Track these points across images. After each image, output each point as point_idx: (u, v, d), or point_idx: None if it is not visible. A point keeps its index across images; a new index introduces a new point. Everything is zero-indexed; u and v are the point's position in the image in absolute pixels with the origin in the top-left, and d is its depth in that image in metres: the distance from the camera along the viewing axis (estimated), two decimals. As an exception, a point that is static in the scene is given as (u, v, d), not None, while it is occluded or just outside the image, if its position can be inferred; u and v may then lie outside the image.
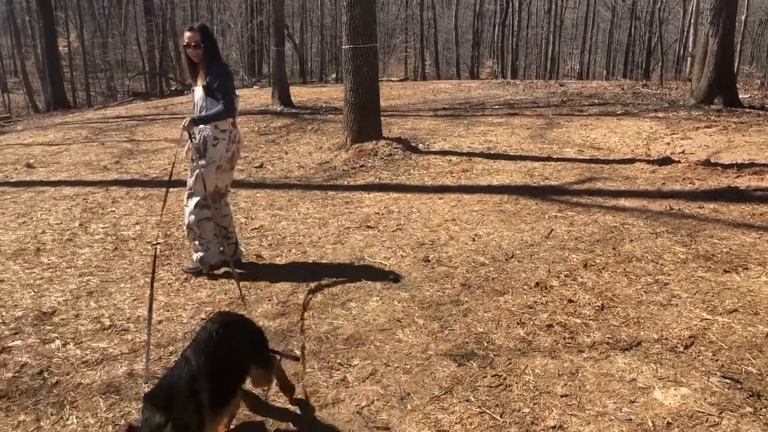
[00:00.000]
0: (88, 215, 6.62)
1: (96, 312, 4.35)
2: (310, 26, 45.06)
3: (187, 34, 4.65)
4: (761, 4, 37.85)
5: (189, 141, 4.72)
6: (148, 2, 34.75)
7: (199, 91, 4.75)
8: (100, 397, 3.29)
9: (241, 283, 4.71)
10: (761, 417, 2.85)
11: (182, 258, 5.31)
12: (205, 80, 4.68)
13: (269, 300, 4.41)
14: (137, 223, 6.32)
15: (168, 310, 4.35)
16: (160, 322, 4.18)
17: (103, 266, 5.21)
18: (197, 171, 4.73)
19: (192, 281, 4.83)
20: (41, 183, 8.17)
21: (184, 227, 4.99)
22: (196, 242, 4.90)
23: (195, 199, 4.81)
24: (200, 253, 4.90)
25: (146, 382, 2.78)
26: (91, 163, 9.32)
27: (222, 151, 4.75)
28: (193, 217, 4.82)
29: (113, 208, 6.86)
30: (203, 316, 4.22)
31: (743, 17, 33.16)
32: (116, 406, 3.20)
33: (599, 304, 4.07)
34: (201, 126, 4.68)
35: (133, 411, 3.15)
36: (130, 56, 39.49)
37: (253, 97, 16.76)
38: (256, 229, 6.01)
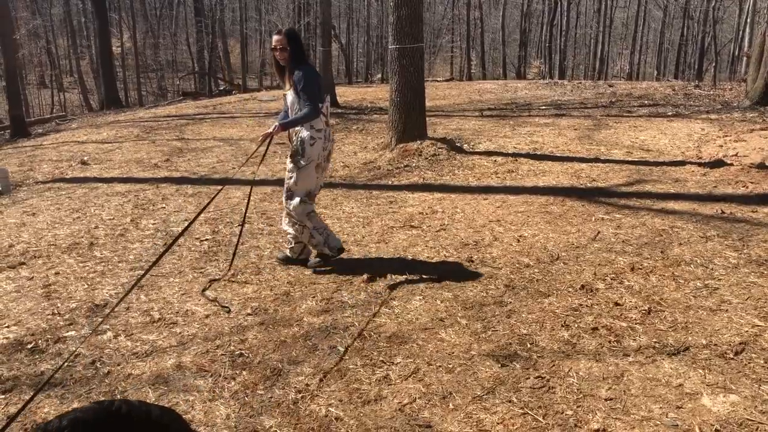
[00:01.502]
0: (139, 211, 6.81)
1: (146, 305, 4.47)
2: (357, 26, 45.32)
3: (275, 37, 4.78)
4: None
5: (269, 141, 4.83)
6: (198, 3, 35.51)
7: (290, 95, 4.85)
8: (149, 387, 3.39)
9: (287, 281, 4.80)
10: (815, 427, 2.77)
11: (229, 254, 5.41)
12: (291, 83, 4.80)
13: (313, 297, 4.46)
14: (186, 220, 6.46)
15: (215, 305, 4.45)
16: (207, 316, 4.28)
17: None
18: (296, 172, 4.84)
19: (238, 277, 4.92)
20: (95, 179, 8.44)
21: (287, 228, 5.07)
22: (315, 237, 4.96)
23: (297, 199, 4.89)
24: (322, 244, 4.97)
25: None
26: (142, 161, 9.58)
27: (319, 150, 4.83)
28: (299, 213, 4.90)
29: (163, 205, 7.04)
30: (249, 311, 4.30)
31: (803, 16, 31.97)
32: (164, 397, 3.29)
33: (646, 308, 4.00)
34: (297, 128, 4.79)
35: (181, 402, 3.24)
36: (180, 56, 40.42)
37: (299, 96, 16.93)
38: (301, 227, 6.09)
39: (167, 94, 33.56)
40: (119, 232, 6.14)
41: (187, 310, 4.38)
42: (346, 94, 16.50)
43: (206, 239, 5.86)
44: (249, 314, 4.27)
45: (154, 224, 6.35)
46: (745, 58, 20.23)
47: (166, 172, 8.77)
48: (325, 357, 3.64)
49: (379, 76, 35.24)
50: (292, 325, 4.06)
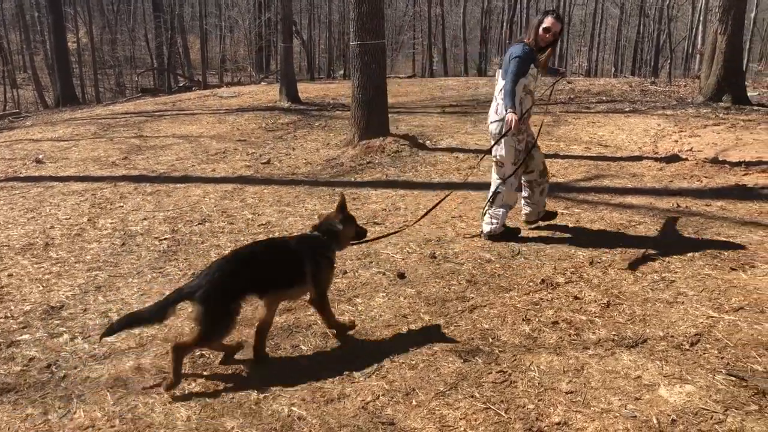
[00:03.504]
0: (96, 210, 6.67)
1: (104, 306, 4.38)
2: (318, 22, 45.06)
3: (558, 24, 5.07)
4: (772, 1, 37.60)
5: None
6: (156, -2, 34.88)
7: (538, 76, 5.18)
8: (108, 391, 3.32)
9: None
10: (766, 415, 2.85)
11: (189, 253, 5.33)
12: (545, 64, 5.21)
13: (276, 295, 4.42)
14: (145, 219, 6.35)
15: (175, 305, 4.37)
16: (167, 316, 4.21)
17: (111, 261, 5.24)
18: (511, 145, 5.17)
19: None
20: (50, 178, 8.23)
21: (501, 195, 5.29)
22: (524, 201, 5.46)
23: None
24: (528, 209, 5.45)
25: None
26: (100, 159, 9.38)
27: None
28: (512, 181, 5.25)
29: (121, 204, 6.90)
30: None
31: (752, 15, 32.94)
32: (123, 400, 3.23)
33: (605, 302, 4.07)
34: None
35: (140, 405, 3.18)
36: (139, 52, 39.62)
37: (260, 93, 16.78)
38: (262, 225, 6.03)
39: (125, 91, 32.85)
40: (76, 231, 6.00)
41: (146, 311, 4.30)
42: (307, 90, 16.40)
43: (165, 239, 5.76)
44: (210, 314, 4.20)
45: (112, 223, 6.22)
46: (698, 56, 20.73)
47: (125, 170, 8.60)
48: (287, 356, 3.60)
49: (342, 72, 35.11)
50: (254, 325, 4.01)
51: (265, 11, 34.95)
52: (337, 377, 3.36)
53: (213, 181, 7.80)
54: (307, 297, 3.75)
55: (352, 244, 4.13)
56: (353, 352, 3.60)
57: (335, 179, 7.74)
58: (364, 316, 4.06)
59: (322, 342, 3.74)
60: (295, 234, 3.77)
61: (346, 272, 4.77)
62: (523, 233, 5.45)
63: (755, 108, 11.35)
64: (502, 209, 5.30)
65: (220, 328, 3.30)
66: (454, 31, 44.62)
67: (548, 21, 5.05)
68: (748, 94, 12.32)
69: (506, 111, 4.91)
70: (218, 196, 7.08)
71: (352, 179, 7.72)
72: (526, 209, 5.54)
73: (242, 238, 5.64)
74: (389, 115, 9.65)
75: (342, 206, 3.81)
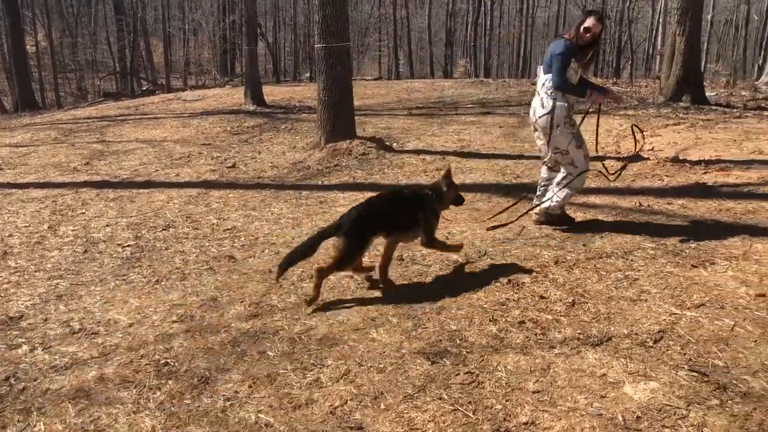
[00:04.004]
0: (57, 217, 6.53)
1: (65, 316, 4.29)
2: (284, 25, 44.85)
3: (599, 25, 5.20)
4: (726, 4, 38.56)
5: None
6: (118, 1, 34.33)
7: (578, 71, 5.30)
8: (69, 402, 3.25)
9: (214, 286, 4.69)
10: (727, 409, 2.90)
11: (153, 260, 5.25)
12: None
13: (241, 302, 4.38)
14: (107, 225, 6.24)
15: (139, 313, 4.30)
16: (131, 325, 4.14)
17: (73, 269, 5.14)
18: (567, 132, 5.28)
19: (163, 283, 4.78)
20: (8, 185, 8.04)
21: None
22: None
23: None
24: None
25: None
26: (61, 165, 9.19)
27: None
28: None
29: (83, 210, 6.77)
30: (174, 318, 4.18)
31: (709, 17, 33.73)
32: (86, 411, 3.16)
33: (570, 300, 4.11)
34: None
35: (103, 416, 3.11)
36: (101, 56, 39.01)
37: (225, 96, 16.63)
38: (228, 230, 5.97)
39: (87, 95, 32.31)
40: (36, 239, 5.87)
41: (109, 320, 4.23)
42: (273, 93, 16.30)
43: (128, 245, 5.66)
44: (174, 321, 4.15)
45: (73, 230, 6.10)
46: (658, 57, 21.15)
47: (86, 176, 8.44)
48: (254, 363, 3.57)
49: (308, 74, 34.97)
50: (220, 332, 3.97)
51: (230, 14, 34.63)
52: (305, 382, 3.34)
53: (177, 186, 7.71)
54: (418, 241, 4.64)
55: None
56: (321, 357, 3.58)
57: (302, 183, 7.70)
58: (332, 320, 4.04)
59: (289, 347, 3.71)
60: (414, 190, 4.73)
61: (312, 276, 4.74)
62: (498, 235, 5.48)
63: (713, 108, 11.61)
64: (567, 191, 5.43)
65: (353, 257, 4.37)
66: (420, 33, 44.80)
67: (590, 21, 5.20)
68: (707, 94, 12.60)
69: (584, 97, 5.30)
70: (182, 202, 6.99)
71: (319, 182, 7.69)
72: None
73: (207, 244, 5.58)
74: (356, 118, 9.65)
75: (447, 174, 4.77)
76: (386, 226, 4.42)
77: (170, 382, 3.42)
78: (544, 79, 5.31)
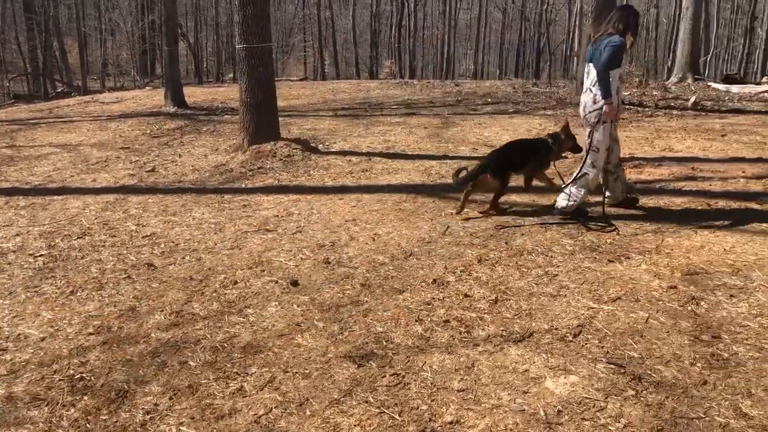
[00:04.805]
0: (-40, 228, 6.15)
1: (-30, 332, 4.04)
2: (205, 25, 43.88)
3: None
4: (638, 7, 40.23)
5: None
6: (27, -2, 32.75)
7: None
8: (-26, 424, 3.06)
9: (132, 296, 4.52)
10: (642, 399, 3.01)
11: (68, 270, 5.03)
12: None
13: (161, 311, 4.24)
14: (18, 235, 5.94)
15: (52, 326, 4.11)
16: (43, 339, 3.94)
17: (-22, 282, 4.85)
18: (609, 131, 5.56)
19: (78, 294, 4.57)
20: None
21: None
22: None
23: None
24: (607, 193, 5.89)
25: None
26: (-35, 172, 8.68)
27: None
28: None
29: (-10, 220, 6.41)
30: (91, 330, 4.01)
31: (623, 19, 34.98)
32: (-8, 434, 2.98)
33: (493, 298, 4.18)
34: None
35: (12, 437, 2.95)
36: (10, 56, 37.05)
37: (145, 98, 16.14)
38: (147, 236, 5.78)
39: (-5, 98, 30.66)
40: (-64, 252, 5.51)
41: (19, 334, 4.01)
42: (195, 94, 15.92)
43: (41, 255, 5.40)
44: (91, 334, 3.98)
45: (-22, 242, 5.76)
46: (575, 58, 21.87)
47: (-7, 183, 8.01)
48: (175, 374, 3.46)
49: (231, 75, 34.30)
50: (139, 342, 3.83)
51: (149, 13, 33.61)
52: (228, 392, 3.26)
53: (93, 192, 7.41)
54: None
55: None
56: (244, 366, 3.50)
57: (224, 186, 7.55)
58: (256, 327, 3.96)
59: (211, 356, 3.62)
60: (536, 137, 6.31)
61: (236, 282, 4.65)
62: (423, 235, 5.52)
63: (627, 107, 12.09)
64: (583, 190, 5.65)
65: (502, 187, 5.97)
66: (345, 34, 44.81)
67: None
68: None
69: (603, 100, 5.37)
70: (99, 208, 6.73)
71: (243, 185, 7.55)
72: (607, 193, 5.94)
73: (125, 252, 5.38)
74: (281, 119, 9.54)
75: (566, 126, 6.15)
76: (516, 165, 6.03)
77: (85, 397, 3.27)
78: (594, 74, 5.46)
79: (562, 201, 5.76)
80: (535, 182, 6.31)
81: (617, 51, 5.35)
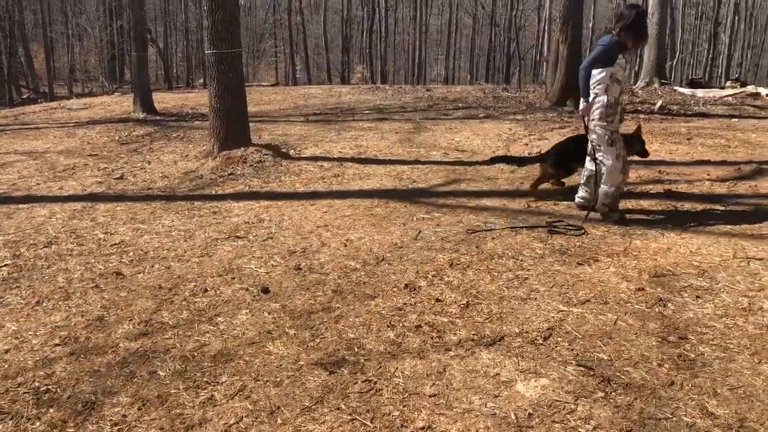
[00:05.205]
0: None
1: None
2: (175, 30, 43.53)
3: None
4: (606, 13, 40.90)
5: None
6: (-9, 3, 32.16)
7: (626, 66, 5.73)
8: (-65, 440, 2.98)
9: (100, 305, 4.45)
10: (611, 400, 3.05)
11: (33, 280, 4.93)
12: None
13: (130, 320, 4.17)
14: (-20, 245, 5.80)
15: (17, 338, 4.02)
16: (7, 351, 3.85)
17: (-60, 294, 4.73)
18: (602, 127, 5.61)
19: (44, 304, 4.49)
20: None
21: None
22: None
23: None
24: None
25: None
26: (-74, 180, 8.47)
27: None
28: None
29: (-48, 229, 6.25)
30: (57, 341, 3.93)
31: (591, 24, 35.66)
32: (-46, 449, 2.91)
33: (464, 302, 4.20)
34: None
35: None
36: (-27, 62, 36.31)
37: (113, 104, 15.94)
38: (115, 244, 5.69)
39: (-42, 104, 30.01)
40: None
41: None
42: (165, 100, 15.78)
43: (5, 265, 5.29)
44: (57, 345, 3.90)
45: (-60, 252, 5.62)
46: (545, 63, 22.13)
47: (-44, 191, 7.82)
48: (144, 384, 3.41)
49: (201, 81, 34.04)
50: (107, 353, 3.77)
51: (117, 18, 33.26)
52: (199, 401, 3.22)
53: (60, 200, 7.28)
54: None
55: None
56: (215, 375, 3.47)
57: (194, 193, 7.47)
58: (227, 335, 3.93)
59: (181, 366, 3.58)
60: None
61: (206, 290, 4.60)
62: (395, 240, 5.52)
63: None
64: (613, 188, 5.72)
65: (567, 175, 6.68)
66: (316, 39, 44.78)
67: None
68: (589, 98, 13.28)
69: (585, 98, 5.58)
70: (66, 216, 6.61)
71: (213, 192, 7.49)
72: (580, 193, 6.12)
73: (93, 261, 5.30)
74: (252, 125, 9.49)
75: (638, 129, 6.48)
76: (578, 156, 6.24)
77: (51, 410, 3.21)
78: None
79: (579, 199, 6.12)
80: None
81: (603, 50, 5.46)
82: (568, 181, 6.81)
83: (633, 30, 5.49)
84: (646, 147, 6.52)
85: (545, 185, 6.79)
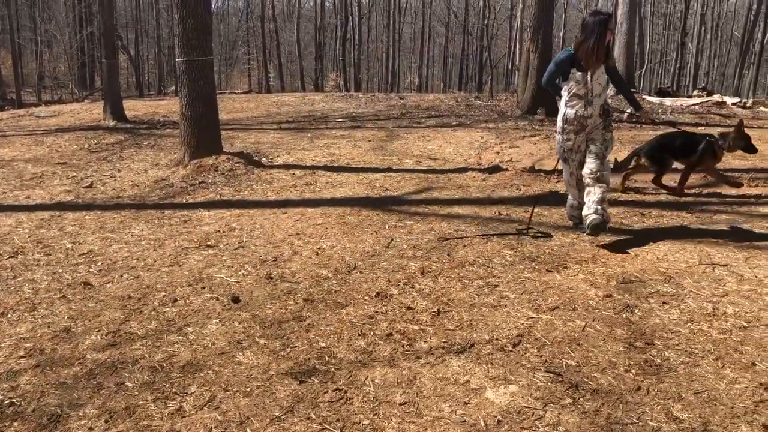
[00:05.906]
0: None
1: None
2: (147, 37, 43.13)
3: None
4: (576, 22, 41.48)
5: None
6: (-43, 9, 31.58)
7: (603, 75, 5.43)
8: None
9: (68, 316, 4.38)
10: (579, 406, 3.09)
11: (8, 285, 4.85)
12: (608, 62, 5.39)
13: (98, 331, 4.12)
14: (-56, 255, 5.68)
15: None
16: (-30, 364, 3.77)
17: None
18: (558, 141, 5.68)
19: (9, 316, 4.40)
20: None
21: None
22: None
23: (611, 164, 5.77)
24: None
25: None
26: None
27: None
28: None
29: None
30: (22, 353, 3.86)
31: (561, 33, 36.16)
32: None
33: (435, 310, 4.22)
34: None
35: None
36: (-63, 68, 35.60)
37: (83, 111, 15.73)
38: (84, 254, 5.61)
39: None
40: None
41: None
42: (136, 107, 15.63)
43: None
44: (22, 357, 3.83)
45: None
46: (517, 72, 22.37)
47: None
48: (111, 395, 3.36)
49: (173, 88, 33.74)
50: (74, 364, 3.71)
51: (87, 25, 32.85)
52: (167, 412, 3.19)
53: (27, 209, 7.16)
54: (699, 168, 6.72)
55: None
56: (183, 385, 3.44)
57: (165, 201, 7.40)
58: (196, 345, 3.89)
59: (150, 377, 3.53)
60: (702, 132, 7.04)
61: (176, 300, 4.56)
62: (367, 248, 5.52)
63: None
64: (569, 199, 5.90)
65: (661, 169, 6.83)
66: (290, 46, 44.72)
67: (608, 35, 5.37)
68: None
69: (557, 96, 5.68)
70: (33, 226, 6.50)
71: (183, 200, 7.43)
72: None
73: (60, 271, 5.22)
74: (224, 132, 9.46)
75: (739, 126, 6.51)
76: (676, 152, 6.67)
77: (15, 423, 3.15)
78: None
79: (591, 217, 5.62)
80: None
81: (551, 65, 5.55)
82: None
83: (585, 35, 5.26)
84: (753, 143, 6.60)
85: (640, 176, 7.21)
